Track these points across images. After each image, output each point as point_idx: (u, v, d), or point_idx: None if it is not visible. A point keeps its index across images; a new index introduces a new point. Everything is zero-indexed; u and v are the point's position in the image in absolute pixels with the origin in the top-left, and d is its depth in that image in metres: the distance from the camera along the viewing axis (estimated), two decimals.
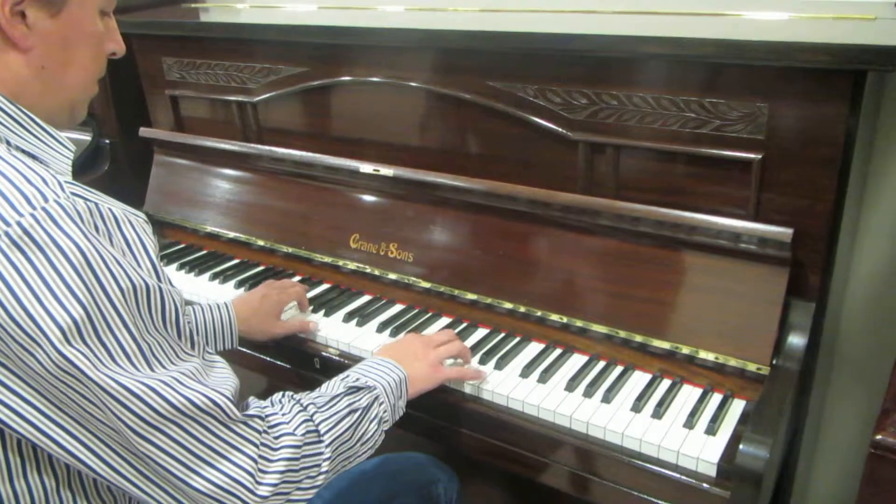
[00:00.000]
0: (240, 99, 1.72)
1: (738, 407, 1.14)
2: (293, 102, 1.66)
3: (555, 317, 1.31)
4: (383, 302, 1.48)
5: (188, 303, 1.36)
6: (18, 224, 0.70)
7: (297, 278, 1.58)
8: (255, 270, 1.65)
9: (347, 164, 1.54)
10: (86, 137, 1.98)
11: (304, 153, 1.62)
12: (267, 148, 1.68)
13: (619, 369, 1.23)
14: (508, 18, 1.52)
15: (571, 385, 1.19)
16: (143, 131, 1.87)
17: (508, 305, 1.36)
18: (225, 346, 1.32)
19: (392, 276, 1.48)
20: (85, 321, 0.72)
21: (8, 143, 0.79)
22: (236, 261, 1.71)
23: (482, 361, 1.27)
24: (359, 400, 1.01)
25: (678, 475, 1.04)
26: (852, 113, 1.08)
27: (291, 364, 1.43)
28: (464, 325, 1.39)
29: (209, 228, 1.76)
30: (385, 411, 1.04)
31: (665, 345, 1.21)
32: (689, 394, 1.17)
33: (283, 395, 0.98)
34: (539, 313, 1.33)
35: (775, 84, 1.11)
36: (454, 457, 1.38)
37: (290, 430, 0.90)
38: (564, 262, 1.32)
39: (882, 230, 1.44)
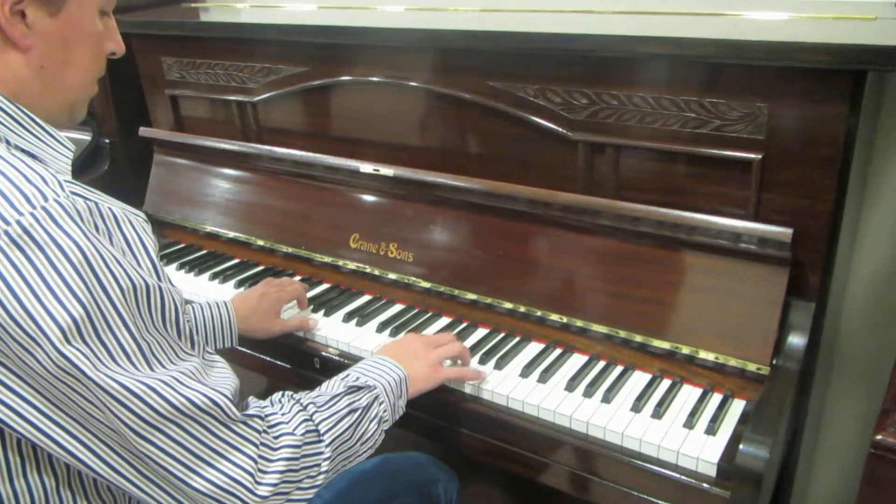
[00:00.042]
0: (240, 99, 1.72)
1: (738, 407, 1.13)
2: (293, 102, 1.66)
3: (555, 317, 1.31)
4: (383, 302, 1.48)
5: (188, 302, 1.35)
6: (18, 223, 0.70)
7: (298, 278, 1.58)
8: (255, 270, 1.65)
9: (347, 163, 1.54)
10: (86, 137, 1.98)
11: (304, 153, 1.62)
12: (267, 148, 1.68)
13: (619, 369, 1.23)
14: (508, 18, 1.52)
15: (571, 385, 1.19)
16: (143, 131, 1.87)
17: (508, 305, 1.36)
18: (225, 345, 1.32)
19: (392, 275, 1.48)
20: (85, 320, 0.72)
21: (8, 142, 0.79)
22: (236, 260, 1.71)
23: (482, 361, 1.27)
24: (359, 399, 1.01)
25: (678, 475, 1.04)
26: (852, 113, 1.08)
27: (291, 364, 1.43)
28: (464, 324, 1.39)
29: (209, 228, 1.76)
30: (385, 411, 1.04)
31: (665, 345, 1.21)
32: (689, 394, 1.17)
33: (283, 395, 0.98)
34: (539, 313, 1.33)
35: (775, 84, 1.11)
36: (454, 457, 1.38)
37: (289, 429, 0.90)
38: (564, 262, 1.32)
39: (882, 230, 1.44)
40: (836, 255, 1.21)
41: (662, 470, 1.05)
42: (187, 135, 1.83)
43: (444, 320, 1.41)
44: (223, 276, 1.63)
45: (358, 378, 1.05)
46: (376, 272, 1.51)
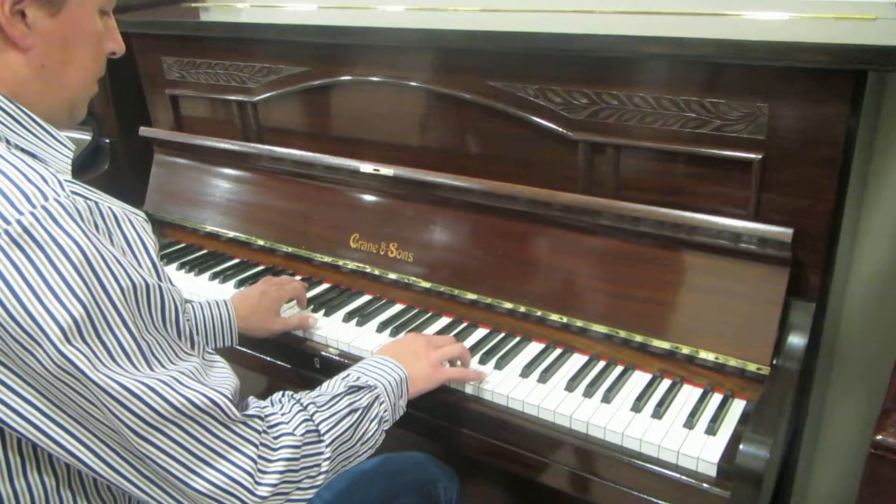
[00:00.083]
0: (240, 98, 1.72)
1: (738, 407, 1.13)
2: (293, 102, 1.66)
3: (555, 317, 1.31)
4: (383, 302, 1.48)
5: (187, 301, 1.35)
6: (18, 222, 0.70)
7: (298, 278, 1.58)
8: (255, 270, 1.65)
9: (347, 163, 1.54)
10: (86, 137, 1.97)
11: (304, 153, 1.61)
12: (267, 147, 1.68)
13: (619, 369, 1.23)
14: (508, 18, 1.52)
15: (571, 385, 1.19)
16: (143, 130, 1.87)
17: (508, 305, 1.36)
18: (225, 344, 1.32)
19: (392, 275, 1.48)
20: (85, 320, 0.72)
21: (7, 141, 0.79)
22: (236, 260, 1.71)
23: (482, 361, 1.27)
24: (359, 399, 1.01)
25: (678, 475, 1.04)
26: (853, 113, 1.08)
27: (291, 364, 1.43)
28: (464, 324, 1.39)
29: (209, 228, 1.76)
30: (385, 411, 1.04)
31: (665, 345, 1.21)
32: (689, 394, 1.17)
33: (283, 395, 0.98)
34: (539, 313, 1.33)
35: (776, 84, 1.11)
36: (454, 457, 1.38)
37: (289, 430, 0.90)
38: (564, 262, 1.32)
39: (882, 230, 1.44)
40: (836, 255, 1.21)
41: (662, 470, 1.05)
42: (187, 134, 1.83)
43: (444, 320, 1.41)
44: (223, 276, 1.63)
45: (359, 378, 1.05)
46: (376, 272, 1.51)
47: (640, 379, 1.21)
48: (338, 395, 1.00)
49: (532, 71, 1.31)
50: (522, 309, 1.34)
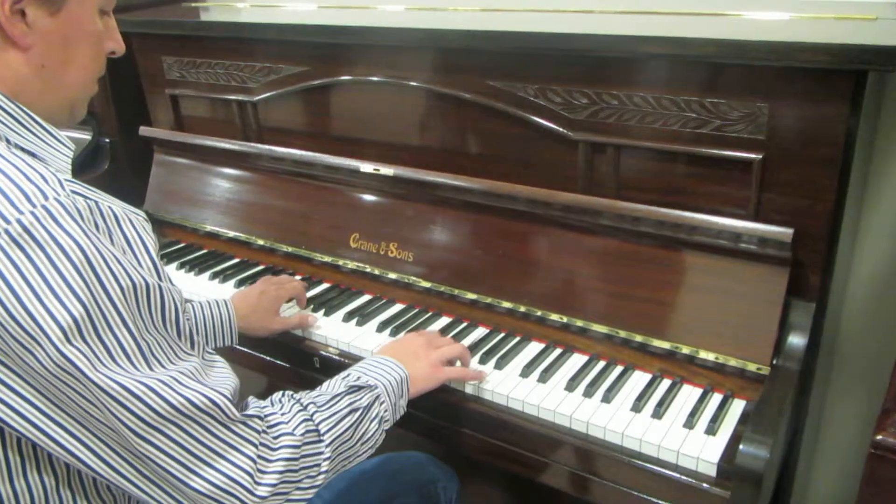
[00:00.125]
0: (240, 98, 1.72)
1: (738, 407, 1.13)
2: (293, 102, 1.66)
3: (555, 316, 1.31)
4: (383, 301, 1.48)
5: (187, 301, 1.35)
6: (18, 222, 0.70)
7: (298, 278, 1.58)
8: (255, 270, 1.65)
9: (347, 163, 1.54)
10: (86, 136, 1.97)
11: (304, 152, 1.61)
12: (267, 147, 1.68)
13: (619, 369, 1.23)
14: (509, 18, 1.52)
15: (571, 385, 1.19)
16: (143, 130, 1.87)
17: (508, 305, 1.36)
18: (225, 343, 1.32)
19: (392, 275, 1.48)
20: (85, 319, 0.72)
21: (8, 141, 0.79)
22: (236, 260, 1.71)
23: (482, 361, 1.27)
24: (359, 399, 1.01)
25: (678, 475, 1.04)
26: (853, 113, 1.08)
27: (291, 363, 1.43)
28: (464, 324, 1.39)
29: (209, 227, 1.76)
30: (386, 411, 1.04)
31: (665, 345, 1.21)
32: (689, 394, 1.17)
33: (283, 395, 0.98)
34: (539, 313, 1.33)
35: (776, 84, 1.11)
36: (454, 456, 1.38)
37: (289, 429, 0.90)
38: (564, 262, 1.32)
39: (883, 230, 1.44)
40: (836, 255, 1.21)
41: (662, 470, 1.05)
42: (187, 134, 1.83)
43: (444, 320, 1.41)
44: (223, 276, 1.63)
45: (359, 378, 1.05)
46: (376, 272, 1.51)
47: (640, 379, 1.21)
48: (338, 394, 1.00)
49: (532, 71, 1.31)
50: (522, 309, 1.34)
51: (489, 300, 1.37)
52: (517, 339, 1.33)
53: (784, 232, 1.12)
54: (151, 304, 0.77)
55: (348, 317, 1.43)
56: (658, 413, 1.12)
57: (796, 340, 1.15)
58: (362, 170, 1.52)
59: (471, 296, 1.40)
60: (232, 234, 1.72)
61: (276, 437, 0.88)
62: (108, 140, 1.99)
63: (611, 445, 1.10)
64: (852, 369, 1.58)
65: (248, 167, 1.73)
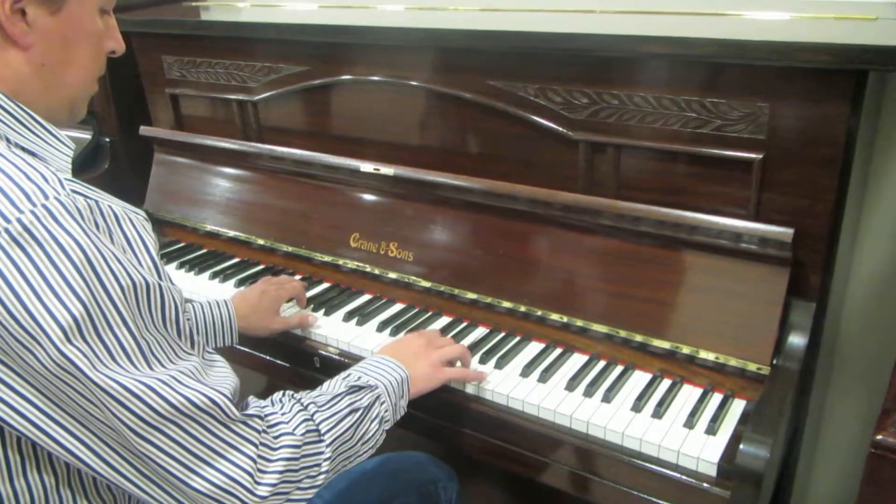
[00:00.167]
0: (240, 97, 1.72)
1: (738, 407, 1.13)
2: (293, 101, 1.66)
3: (555, 316, 1.31)
4: (383, 301, 1.48)
5: (188, 301, 1.35)
6: (19, 221, 0.70)
7: (298, 277, 1.58)
8: (255, 269, 1.65)
9: (348, 163, 1.54)
10: (86, 136, 1.97)
11: (304, 152, 1.61)
12: (267, 147, 1.68)
13: (619, 369, 1.23)
14: (509, 18, 1.52)
15: (572, 385, 1.19)
16: (144, 130, 1.87)
17: (508, 305, 1.36)
18: (225, 343, 1.32)
19: (392, 275, 1.48)
20: (85, 319, 0.72)
21: (8, 140, 0.79)
22: (236, 259, 1.71)
23: (482, 361, 1.27)
24: (360, 399, 1.01)
25: (678, 475, 1.04)
26: (853, 113, 1.08)
27: (291, 363, 1.43)
28: (464, 324, 1.39)
29: (209, 227, 1.76)
30: (386, 411, 1.04)
31: (665, 344, 1.21)
32: (689, 393, 1.17)
33: (284, 395, 0.98)
34: (539, 313, 1.32)
35: (776, 84, 1.11)
36: (454, 456, 1.38)
37: (289, 429, 0.90)
38: (565, 262, 1.32)
39: (883, 230, 1.44)
40: (836, 255, 1.21)
41: (663, 470, 1.05)
42: (188, 134, 1.82)
43: (445, 320, 1.41)
44: (223, 275, 1.63)
45: (360, 378, 1.05)
46: (376, 271, 1.51)
47: (640, 379, 1.21)
48: (338, 394, 1.00)
49: (532, 70, 1.31)
50: (522, 308, 1.34)
51: (489, 300, 1.37)
52: (517, 338, 1.33)
53: (784, 232, 1.12)
54: (151, 304, 0.77)
55: (348, 316, 1.43)
56: (658, 413, 1.12)
57: (796, 340, 1.15)
58: (362, 169, 1.52)
59: (471, 295, 1.40)
60: (232, 233, 1.72)
61: (276, 437, 0.88)
62: (108, 139, 1.99)
63: (611, 445, 1.10)
64: (852, 369, 1.58)
65: (248, 167, 1.73)
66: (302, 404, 0.96)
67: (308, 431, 0.92)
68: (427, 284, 1.44)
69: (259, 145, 1.70)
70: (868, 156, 1.36)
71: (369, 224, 1.53)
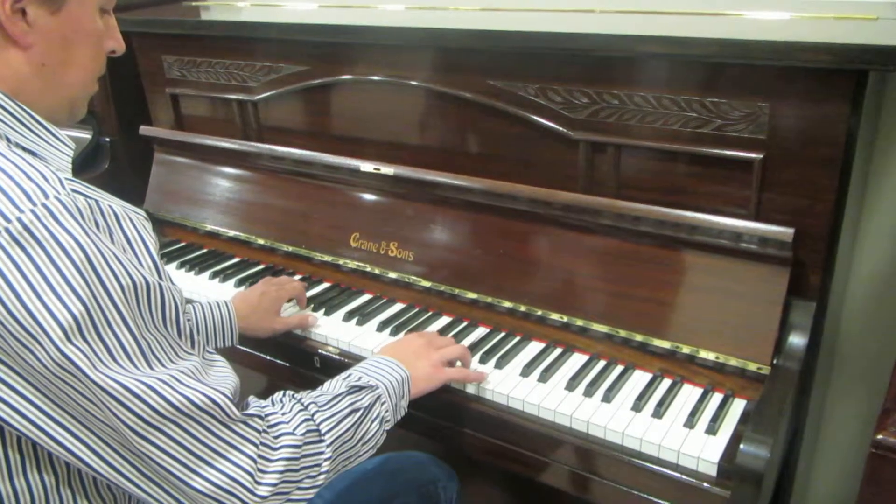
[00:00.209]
0: (240, 97, 1.72)
1: (738, 406, 1.13)
2: (293, 101, 1.66)
3: (555, 316, 1.31)
4: (383, 301, 1.48)
5: (188, 301, 1.35)
6: (19, 220, 0.70)
7: (298, 277, 1.58)
8: (256, 269, 1.65)
9: (348, 162, 1.54)
10: (86, 135, 1.97)
11: (304, 152, 1.61)
12: (267, 146, 1.68)
13: (619, 369, 1.23)
14: (509, 17, 1.52)
15: (572, 384, 1.19)
16: (144, 129, 1.87)
17: (509, 304, 1.36)
18: (225, 344, 1.32)
19: (392, 275, 1.48)
20: (85, 318, 0.72)
21: (8, 139, 0.79)
22: (236, 259, 1.71)
23: (482, 361, 1.27)
24: (361, 399, 1.01)
25: (679, 475, 1.04)
26: (853, 113, 1.08)
27: (291, 363, 1.43)
28: (464, 324, 1.39)
29: (209, 227, 1.76)
30: (387, 411, 1.04)
31: (665, 344, 1.21)
32: (689, 393, 1.17)
33: (284, 395, 0.98)
34: (539, 312, 1.32)
35: (777, 84, 1.11)
36: (454, 456, 1.38)
37: (289, 429, 0.90)
38: (565, 262, 1.32)
39: (883, 230, 1.44)
40: (836, 254, 1.21)
41: (663, 469, 1.05)
42: (188, 133, 1.82)
43: (445, 319, 1.41)
44: (223, 275, 1.63)
45: (360, 378, 1.05)
46: (376, 271, 1.51)
47: (640, 378, 1.21)
48: (339, 394, 1.00)
49: (533, 70, 1.31)
50: (523, 308, 1.34)
51: (489, 300, 1.37)
52: (517, 338, 1.33)
53: (784, 232, 1.12)
54: (152, 303, 0.77)
55: (348, 316, 1.43)
56: (658, 413, 1.12)
57: (797, 340, 1.15)
58: (363, 169, 1.52)
59: (471, 295, 1.40)
60: (232, 233, 1.72)
61: (276, 437, 0.88)
62: (108, 139, 1.99)
63: (611, 445, 1.10)
64: (852, 369, 1.58)
65: (248, 166, 1.73)
66: (302, 404, 0.96)
67: (308, 431, 0.92)
68: (427, 284, 1.44)
69: (259, 145, 1.70)
70: (868, 156, 1.36)
71: (369, 224, 1.53)
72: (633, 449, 1.09)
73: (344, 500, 1.23)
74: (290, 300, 1.44)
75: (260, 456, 0.84)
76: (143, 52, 1.86)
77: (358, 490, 1.25)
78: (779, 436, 1.04)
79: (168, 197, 1.84)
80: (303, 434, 0.90)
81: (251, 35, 1.66)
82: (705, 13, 1.36)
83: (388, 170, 1.48)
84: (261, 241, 1.68)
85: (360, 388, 1.03)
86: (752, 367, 1.14)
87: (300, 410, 0.94)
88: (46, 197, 0.72)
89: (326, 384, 1.04)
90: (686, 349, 1.19)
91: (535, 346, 1.31)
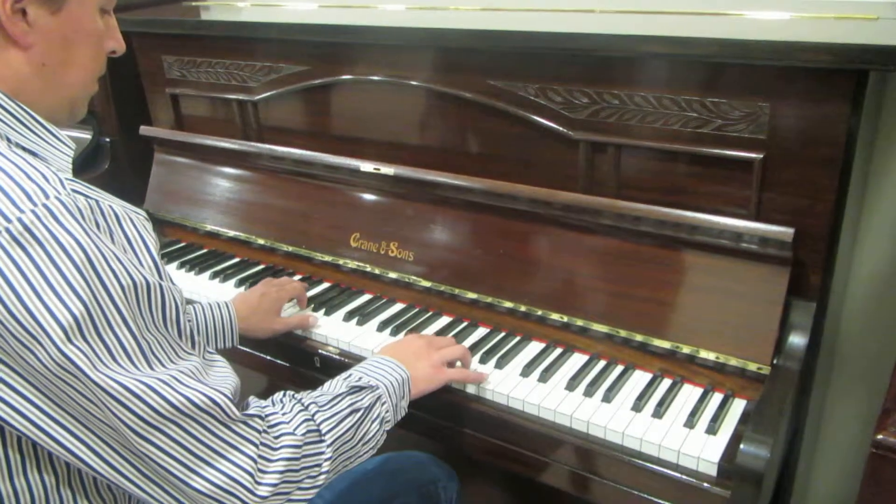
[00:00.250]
0: (240, 97, 1.72)
1: (738, 406, 1.13)
2: (294, 101, 1.66)
3: (555, 316, 1.31)
4: (384, 301, 1.48)
5: (188, 301, 1.35)
6: (19, 220, 0.70)
7: (298, 277, 1.58)
8: (256, 269, 1.65)
9: (348, 162, 1.54)
10: (86, 136, 1.97)
11: (304, 152, 1.61)
12: (267, 146, 1.68)
13: (619, 369, 1.23)
14: (509, 17, 1.52)
15: (572, 384, 1.19)
16: (144, 129, 1.87)
17: (509, 304, 1.36)
18: (226, 345, 1.32)
19: (392, 275, 1.48)
20: (86, 318, 0.72)
21: (8, 140, 0.79)
22: (236, 259, 1.71)
23: (482, 361, 1.27)
24: (361, 400, 1.01)
25: (679, 475, 1.04)
26: (854, 113, 1.08)
27: (291, 363, 1.43)
28: (464, 324, 1.39)
29: (209, 227, 1.76)
30: (387, 411, 1.04)
31: (666, 344, 1.21)
32: (689, 393, 1.17)
33: (284, 395, 0.98)
34: (539, 312, 1.32)
35: (777, 84, 1.11)
36: (454, 456, 1.38)
37: (290, 429, 0.90)
38: (565, 262, 1.32)
39: (883, 230, 1.44)
40: (836, 254, 1.21)
41: (663, 469, 1.05)
42: (188, 133, 1.82)
43: (445, 319, 1.41)
44: (223, 275, 1.63)
45: (360, 378, 1.05)
46: (377, 271, 1.51)
47: (640, 378, 1.21)
48: (339, 394, 1.00)
49: (533, 70, 1.31)
50: (523, 308, 1.34)
51: (489, 300, 1.37)
52: (517, 338, 1.33)
53: (785, 231, 1.12)
54: (152, 303, 0.77)
55: (349, 316, 1.43)
56: (658, 413, 1.12)
57: (797, 340, 1.15)
58: (363, 169, 1.52)
59: (471, 295, 1.40)
60: (232, 233, 1.72)
61: (277, 437, 0.88)
62: (108, 139, 1.99)
63: (611, 445, 1.10)
64: (852, 369, 1.58)
65: (248, 166, 1.73)
66: (303, 404, 0.96)
67: (309, 431, 0.92)
68: (427, 284, 1.44)
69: (259, 145, 1.70)
70: (868, 156, 1.36)
71: (369, 224, 1.53)
72: (634, 449, 1.09)
73: (344, 500, 1.23)
74: (290, 300, 1.44)
75: (260, 456, 0.84)
76: (143, 52, 1.86)
77: (358, 490, 1.25)
78: (779, 436, 1.04)
79: (168, 197, 1.84)
80: (303, 434, 0.90)
81: (251, 35, 1.66)
82: (705, 13, 1.36)
83: (388, 170, 1.48)
84: (261, 242, 1.68)
85: (361, 388, 1.03)
86: (753, 367, 1.14)
87: (300, 410, 0.94)
88: (47, 197, 0.72)
89: (327, 384, 1.04)
90: (686, 349, 1.19)
91: (535, 346, 1.31)
